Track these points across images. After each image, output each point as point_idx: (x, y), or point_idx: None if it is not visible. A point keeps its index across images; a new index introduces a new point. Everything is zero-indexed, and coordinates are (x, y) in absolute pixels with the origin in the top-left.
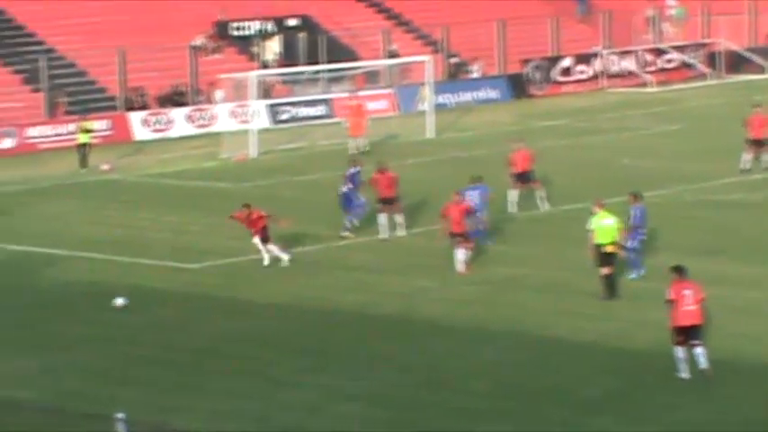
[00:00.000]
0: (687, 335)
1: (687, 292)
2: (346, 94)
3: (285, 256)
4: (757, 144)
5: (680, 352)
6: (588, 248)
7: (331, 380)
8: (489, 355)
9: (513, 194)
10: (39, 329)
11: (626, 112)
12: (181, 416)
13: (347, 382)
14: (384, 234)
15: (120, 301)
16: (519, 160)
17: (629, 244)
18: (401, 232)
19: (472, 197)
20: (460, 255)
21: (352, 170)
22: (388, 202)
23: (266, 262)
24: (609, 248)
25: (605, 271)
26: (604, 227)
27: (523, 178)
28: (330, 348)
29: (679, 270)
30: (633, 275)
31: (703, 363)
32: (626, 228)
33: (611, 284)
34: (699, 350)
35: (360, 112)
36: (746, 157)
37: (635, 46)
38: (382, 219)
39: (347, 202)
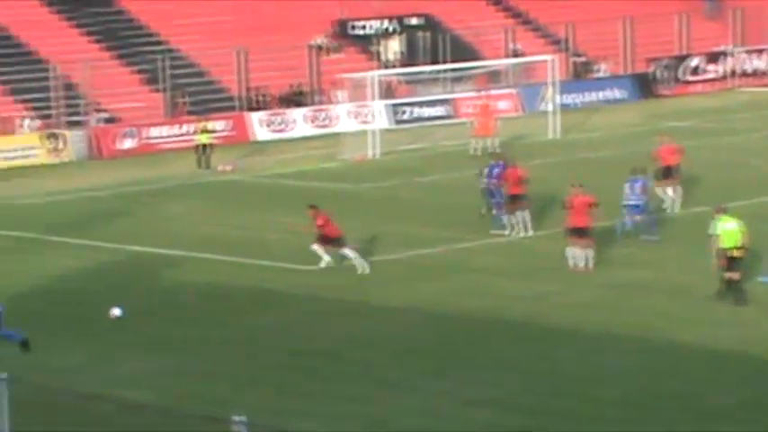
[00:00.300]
0: None
1: None
2: (469, 94)
3: (363, 263)
4: None
5: None
6: (713, 254)
7: (452, 385)
8: (616, 361)
9: (659, 191)
10: (159, 331)
11: (757, 112)
12: (298, 419)
13: (468, 387)
14: (507, 231)
15: (116, 312)
16: (665, 155)
17: None
18: (527, 232)
19: (634, 189)
20: (575, 252)
21: (494, 165)
22: (515, 200)
23: (323, 264)
24: (735, 253)
25: (732, 276)
26: (728, 231)
27: (668, 173)
28: (451, 353)
29: None
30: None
31: None
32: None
33: (738, 289)
34: None
35: (487, 112)
36: None
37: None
38: (506, 218)
39: (491, 197)
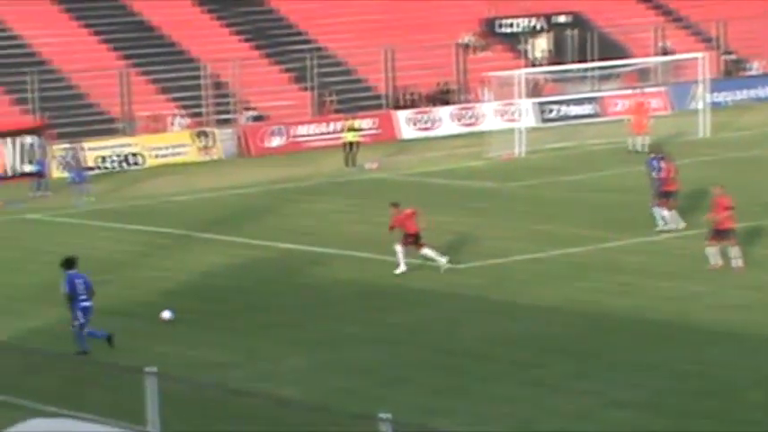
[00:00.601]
0: None
1: None
2: (617, 92)
3: (442, 260)
4: None
5: None
6: None
7: (600, 385)
8: (765, 363)
9: None
10: (307, 328)
11: None
12: (444, 418)
13: (615, 388)
14: (666, 226)
15: (166, 315)
16: None
17: None
18: (678, 225)
19: None
20: (713, 251)
21: (654, 157)
22: (666, 196)
23: (401, 269)
24: None
25: None
26: None
27: None
28: (598, 353)
29: None
30: None
31: None
32: None
33: None
34: None
35: (642, 110)
36: None
37: None
38: (661, 212)
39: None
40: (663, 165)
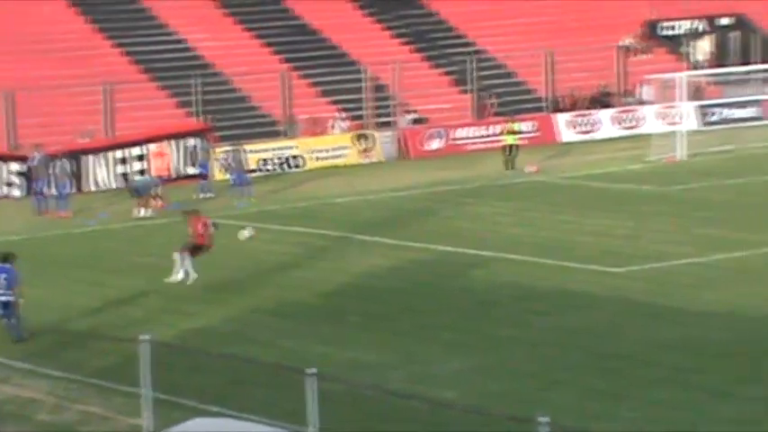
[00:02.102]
0: None
1: None
2: None
3: (178, 276)
4: None
5: None
6: None
7: (763, 391)
8: None
9: None
10: (467, 330)
11: None
12: (603, 423)
13: None
14: None
15: (246, 233)
16: None
17: None
18: None
19: None
20: None
21: None
22: None
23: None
24: None
25: None
26: None
27: None
28: (762, 359)
29: None
30: None
31: None
32: None
33: None
34: None
35: None
36: None
37: None
38: None
39: None
40: None
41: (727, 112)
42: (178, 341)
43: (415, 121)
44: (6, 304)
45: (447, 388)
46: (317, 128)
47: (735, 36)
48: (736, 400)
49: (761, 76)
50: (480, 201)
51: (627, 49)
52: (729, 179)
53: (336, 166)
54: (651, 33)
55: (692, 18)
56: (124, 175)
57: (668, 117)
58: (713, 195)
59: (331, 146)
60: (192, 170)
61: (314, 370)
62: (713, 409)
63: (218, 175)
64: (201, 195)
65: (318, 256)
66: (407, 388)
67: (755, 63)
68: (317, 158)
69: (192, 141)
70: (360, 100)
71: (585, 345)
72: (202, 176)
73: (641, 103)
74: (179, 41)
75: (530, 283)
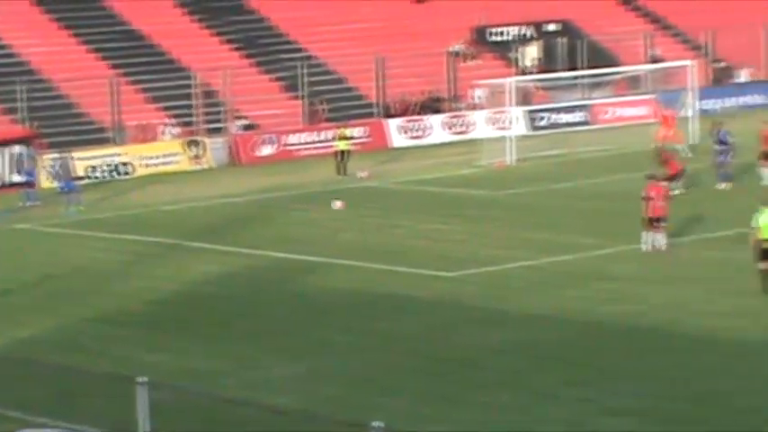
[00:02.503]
0: None
1: None
2: (607, 100)
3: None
4: None
5: None
6: (751, 245)
7: (593, 393)
8: (757, 369)
9: (765, 172)
10: (300, 336)
11: None
12: (437, 427)
13: (611, 396)
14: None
15: (338, 204)
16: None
17: None
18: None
19: None
20: (651, 236)
21: (718, 131)
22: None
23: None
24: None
25: (763, 266)
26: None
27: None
28: (592, 361)
29: None
30: None
31: None
32: None
33: None
34: None
35: (668, 123)
36: None
37: None
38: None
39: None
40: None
41: (555, 117)
42: (6, 351)
43: (246, 128)
44: None
45: (281, 394)
46: (146, 135)
47: (562, 42)
48: (565, 401)
49: (588, 81)
50: (312, 206)
51: (456, 55)
52: (558, 183)
53: (167, 173)
54: (480, 39)
55: (520, 24)
56: None
57: (498, 122)
58: (543, 200)
59: (161, 153)
60: (17, 178)
61: (145, 378)
62: (543, 410)
63: (46, 182)
64: (28, 203)
65: (150, 264)
66: (241, 394)
67: (582, 68)
68: (147, 165)
69: (17, 149)
70: (190, 106)
71: (419, 349)
72: (29, 184)
73: (472, 108)
74: (3, 47)
75: (363, 288)
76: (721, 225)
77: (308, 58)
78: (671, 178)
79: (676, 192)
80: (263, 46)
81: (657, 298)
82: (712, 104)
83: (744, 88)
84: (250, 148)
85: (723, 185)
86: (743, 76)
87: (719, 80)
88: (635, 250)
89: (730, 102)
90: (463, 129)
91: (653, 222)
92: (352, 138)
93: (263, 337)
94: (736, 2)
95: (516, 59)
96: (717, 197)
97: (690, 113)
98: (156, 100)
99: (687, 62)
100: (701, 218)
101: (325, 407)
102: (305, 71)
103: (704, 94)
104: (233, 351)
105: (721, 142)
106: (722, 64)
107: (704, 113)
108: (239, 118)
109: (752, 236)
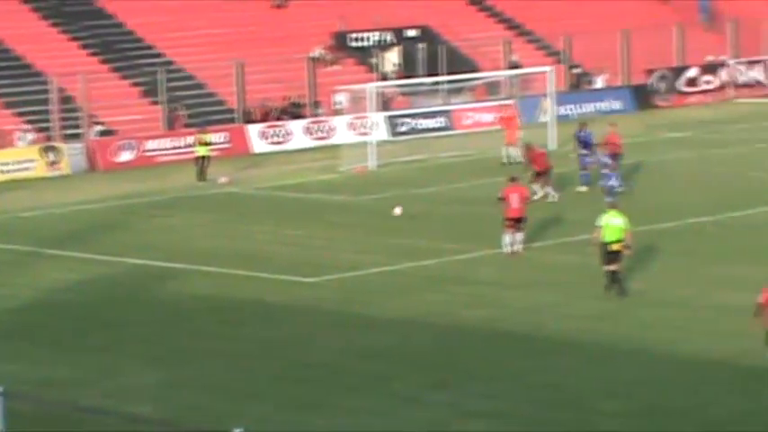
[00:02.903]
0: None
1: None
2: (467, 105)
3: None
4: None
5: None
6: (593, 244)
7: (455, 397)
8: (618, 373)
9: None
10: (159, 343)
11: (753, 123)
12: None
13: (470, 399)
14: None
15: (398, 210)
16: (613, 140)
17: None
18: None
19: None
20: (510, 238)
21: (582, 132)
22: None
23: None
24: (614, 247)
25: (611, 268)
26: (612, 226)
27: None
28: (454, 364)
29: None
30: None
31: None
32: None
33: (616, 280)
34: None
35: (511, 123)
36: None
37: (764, 55)
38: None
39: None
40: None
41: (415, 123)
42: None
43: (104, 133)
44: None
45: (142, 402)
46: (2, 141)
47: (421, 47)
48: (427, 405)
49: (447, 87)
50: (173, 213)
51: (317, 61)
52: (419, 188)
53: (23, 180)
54: (340, 45)
55: (380, 30)
56: None
57: (359, 128)
58: (404, 205)
59: (16, 159)
60: None
61: (0, 388)
62: (405, 414)
63: None
64: None
65: (6, 272)
66: (101, 403)
67: (442, 74)
68: (3, 172)
69: None
70: (46, 112)
71: (282, 355)
72: None
73: (333, 113)
74: None
75: (225, 294)
76: (580, 229)
77: (168, 63)
78: (539, 174)
79: (547, 198)
80: (121, 51)
81: (518, 301)
82: (570, 110)
83: (601, 93)
84: (108, 154)
85: (584, 189)
86: (600, 81)
87: (577, 86)
88: (497, 254)
89: (587, 107)
90: (324, 134)
91: (513, 224)
92: (211, 143)
93: (124, 344)
94: (593, 8)
95: (376, 65)
96: (577, 200)
97: (548, 119)
98: (10, 106)
99: (545, 68)
100: (561, 221)
101: (187, 415)
102: (163, 76)
103: (562, 99)
104: (92, 359)
105: (585, 144)
106: (579, 70)
107: (562, 119)
108: (97, 123)
109: (595, 235)
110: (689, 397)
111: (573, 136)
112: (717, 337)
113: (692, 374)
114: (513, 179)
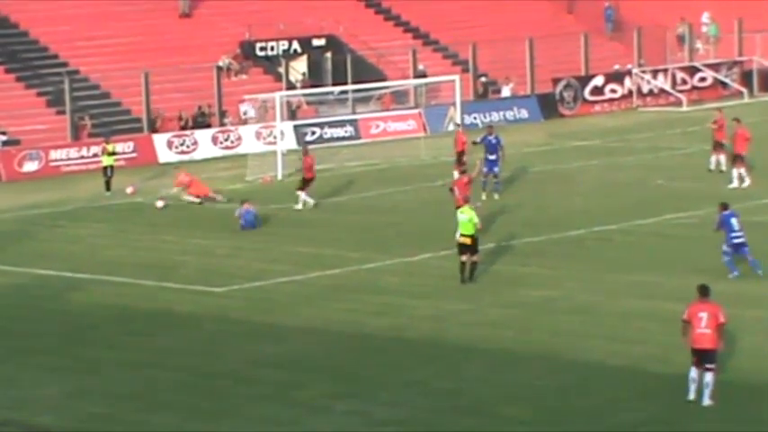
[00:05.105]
0: (700, 358)
1: (702, 315)
2: (374, 115)
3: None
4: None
5: (693, 372)
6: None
7: (362, 405)
8: (523, 379)
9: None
10: (65, 353)
11: (659, 131)
12: None
13: (378, 408)
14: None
15: (159, 204)
16: (459, 141)
17: (723, 248)
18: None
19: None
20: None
21: (491, 136)
22: None
23: None
24: (466, 240)
25: (462, 258)
26: (462, 221)
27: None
28: (360, 373)
29: (701, 290)
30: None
31: (706, 396)
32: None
33: (471, 270)
34: (708, 377)
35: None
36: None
37: (668, 64)
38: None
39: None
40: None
41: (323, 132)
42: None
43: (8, 143)
44: None
45: (45, 413)
46: None
47: (328, 56)
48: (333, 413)
49: (354, 96)
50: (77, 223)
51: (224, 70)
52: (327, 198)
53: None
54: (248, 53)
55: (287, 39)
56: None
57: (266, 137)
58: (311, 214)
59: None
60: None
61: None
62: (313, 423)
63: None
64: None
65: None
66: (3, 414)
67: (349, 83)
68: None
69: None
70: None
71: (187, 365)
72: None
73: (240, 123)
74: None
75: (130, 304)
76: (489, 236)
77: (73, 72)
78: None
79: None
80: (25, 60)
81: (424, 310)
82: (477, 118)
83: (507, 102)
84: (13, 164)
85: (496, 196)
86: (506, 90)
87: (484, 94)
88: (402, 263)
89: (494, 116)
90: (231, 143)
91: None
92: (117, 153)
93: (27, 355)
94: (500, 18)
95: (283, 74)
96: (491, 207)
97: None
98: None
99: (452, 77)
100: None
101: (90, 425)
102: (69, 86)
103: (469, 108)
104: None
105: (494, 149)
106: (485, 78)
107: (469, 127)
108: (1, 134)
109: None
110: (594, 402)
111: (480, 140)
112: (621, 344)
113: (596, 380)
114: (462, 172)
